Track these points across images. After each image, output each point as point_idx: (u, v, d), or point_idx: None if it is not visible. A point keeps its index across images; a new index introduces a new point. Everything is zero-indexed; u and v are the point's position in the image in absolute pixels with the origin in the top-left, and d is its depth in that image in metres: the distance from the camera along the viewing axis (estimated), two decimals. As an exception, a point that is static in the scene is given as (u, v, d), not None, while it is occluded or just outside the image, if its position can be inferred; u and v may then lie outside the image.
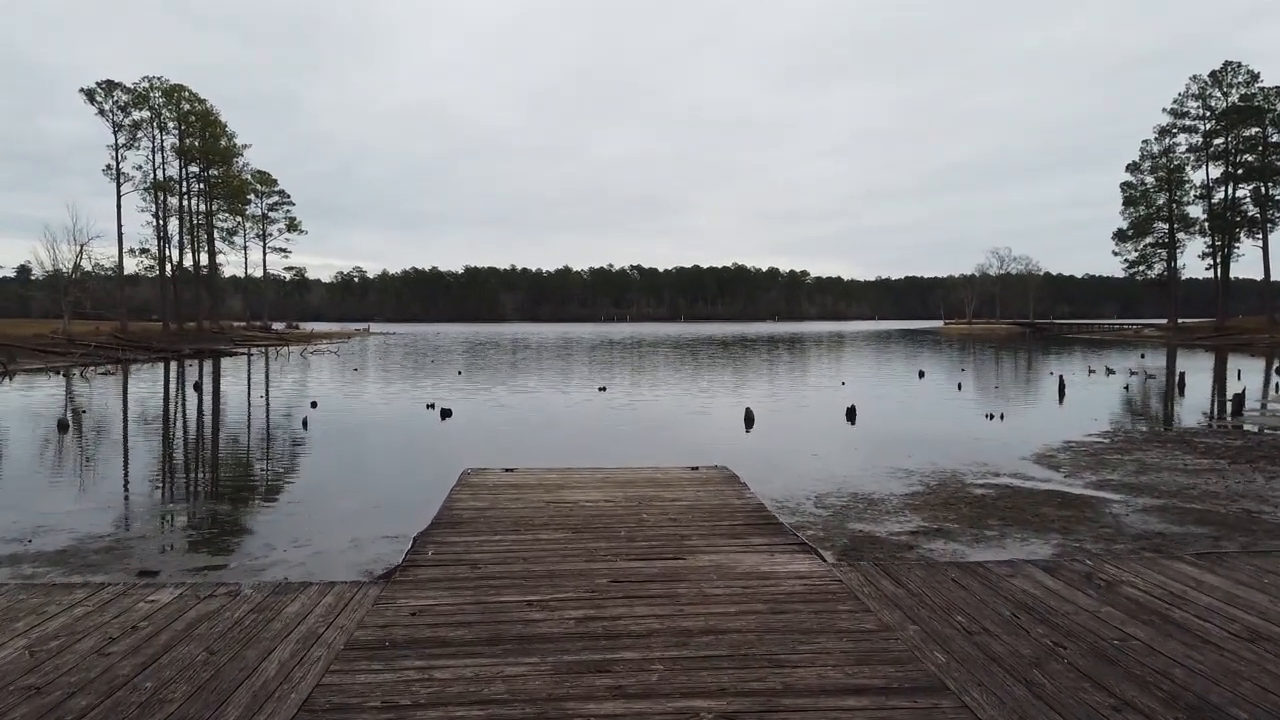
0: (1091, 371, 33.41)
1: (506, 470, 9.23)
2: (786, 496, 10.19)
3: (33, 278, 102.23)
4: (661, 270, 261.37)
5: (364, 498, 10.47)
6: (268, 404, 22.74)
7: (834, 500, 10.16)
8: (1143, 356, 46.78)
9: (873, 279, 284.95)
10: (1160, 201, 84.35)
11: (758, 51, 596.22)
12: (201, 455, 14.67)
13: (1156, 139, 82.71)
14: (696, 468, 9.48)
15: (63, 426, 17.05)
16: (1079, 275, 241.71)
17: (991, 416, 18.88)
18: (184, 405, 23.29)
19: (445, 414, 19.42)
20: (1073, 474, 11.91)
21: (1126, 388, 26.97)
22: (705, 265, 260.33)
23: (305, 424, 17.75)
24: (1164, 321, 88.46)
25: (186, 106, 73.71)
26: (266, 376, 33.97)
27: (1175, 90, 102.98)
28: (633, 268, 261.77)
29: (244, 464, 13.86)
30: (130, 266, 75.14)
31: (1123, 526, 8.72)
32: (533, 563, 5.59)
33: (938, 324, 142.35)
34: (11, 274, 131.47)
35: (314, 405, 21.51)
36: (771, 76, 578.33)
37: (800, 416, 20.07)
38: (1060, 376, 27.94)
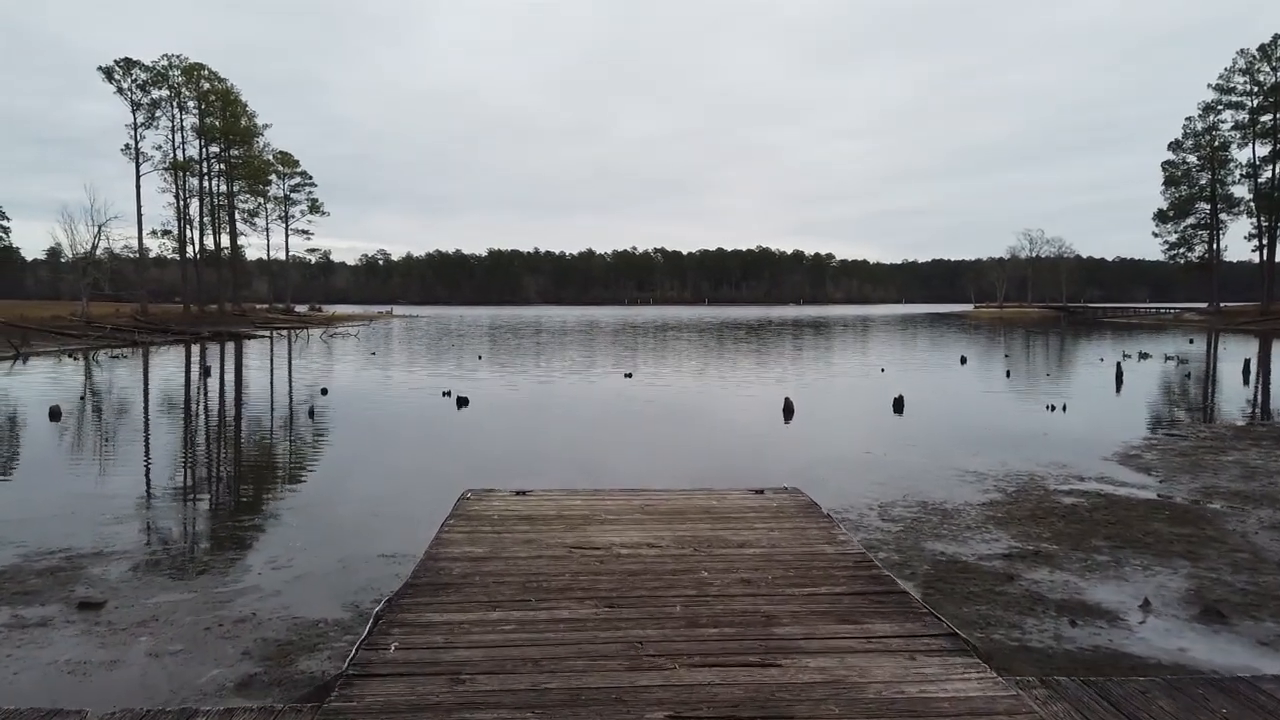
0: (1126, 356, 31.34)
1: (517, 493, 7.27)
2: (845, 505, 8.82)
3: (61, 260, 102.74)
4: (685, 253, 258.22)
5: (362, 505, 9.21)
6: (291, 389, 21.59)
7: (901, 511, 8.78)
8: (1191, 342, 44.71)
9: (899, 262, 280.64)
10: (1203, 181, 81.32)
11: (782, 31, 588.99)
12: (194, 450, 13.48)
13: (1200, 116, 79.64)
14: (761, 490, 7.46)
15: (54, 414, 15.98)
16: (1109, 258, 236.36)
17: (1052, 408, 17.32)
18: (190, 392, 22.25)
19: (462, 403, 18.19)
20: (1168, 478, 10.43)
21: (1188, 375, 25.25)
22: (729, 248, 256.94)
23: (312, 413, 16.57)
24: (1204, 305, 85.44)
25: (206, 85, 72.74)
26: (289, 360, 32.94)
27: (1211, 67, 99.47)
28: (656, 250, 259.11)
29: (237, 461, 12.69)
30: (153, 248, 74.83)
31: (1260, 551, 7.26)
32: (547, 671, 3.64)
33: (967, 308, 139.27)
34: (43, 257, 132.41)
35: (324, 392, 20.37)
36: (796, 56, 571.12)
37: (843, 406, 18.65)
38: (1118, 364, 26.22)
